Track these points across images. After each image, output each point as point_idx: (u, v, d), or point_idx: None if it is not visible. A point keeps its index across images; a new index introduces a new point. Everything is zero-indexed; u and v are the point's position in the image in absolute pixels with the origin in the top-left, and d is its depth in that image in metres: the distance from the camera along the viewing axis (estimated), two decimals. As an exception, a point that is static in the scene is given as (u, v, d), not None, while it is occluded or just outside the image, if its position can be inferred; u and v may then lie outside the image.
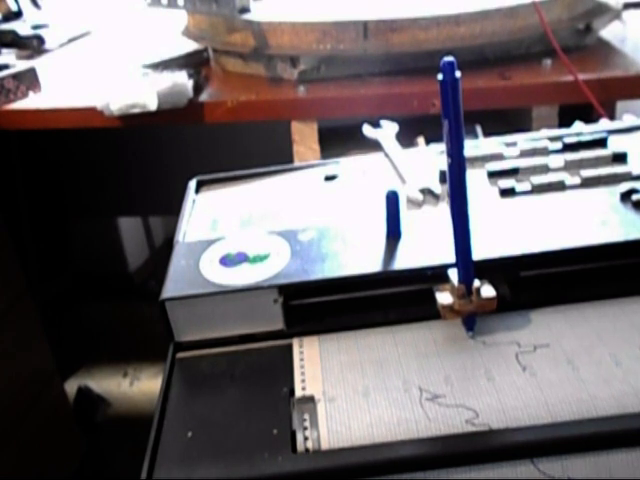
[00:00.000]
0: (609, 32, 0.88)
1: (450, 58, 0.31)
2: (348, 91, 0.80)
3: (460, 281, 0.35)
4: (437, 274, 0.37)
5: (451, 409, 0.31)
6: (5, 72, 0.86)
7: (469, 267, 0.35)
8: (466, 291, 0.35)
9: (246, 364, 0.36)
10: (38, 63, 0.96)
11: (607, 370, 0.32)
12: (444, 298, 0.35)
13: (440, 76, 0.31)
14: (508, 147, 0.48)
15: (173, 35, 0.99)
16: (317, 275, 0.37)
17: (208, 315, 0.37)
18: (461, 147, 0.32)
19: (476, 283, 0.35)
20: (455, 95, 0.31)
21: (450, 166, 0.33)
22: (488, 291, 0.35)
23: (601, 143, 0.47)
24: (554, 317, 0.36)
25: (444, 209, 0.43)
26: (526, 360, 0.33)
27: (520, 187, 0.43)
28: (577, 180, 0.43)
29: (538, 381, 0.32)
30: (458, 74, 0.31)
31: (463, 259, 0.35)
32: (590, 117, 0.80)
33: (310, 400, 0.32)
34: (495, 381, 0.32)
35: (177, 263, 0.40)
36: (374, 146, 0.54)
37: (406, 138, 0.56)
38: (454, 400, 0.31)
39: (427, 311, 0.36)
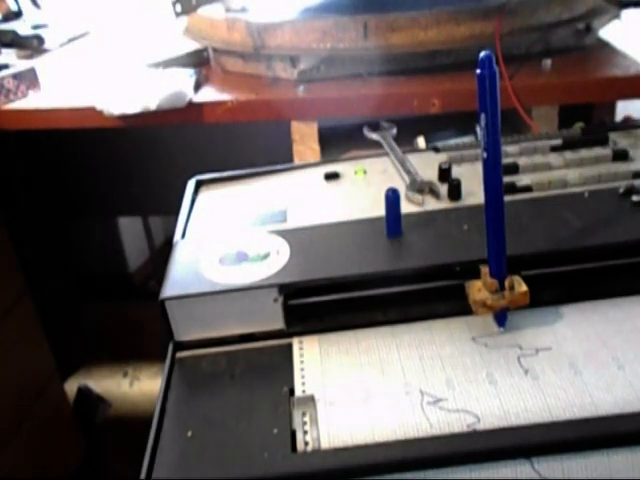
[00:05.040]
0: (609, 32, 0.88)
1: (487, 52, 0.31)
2: (348, 91, 0.80)
3: (492, 276, 0.34)
4: (437, 273, 0.37)
5: (452, 414, 0.31)
6: (5, 72, 0.85)
7: (502, 262, 0.34)
8: (499, 286, 0.34)
9: (246, 364, 0.36)
10: (38, 63, 0.96)
11: (610, 374, 0.32)
12: (476, 293, 0.35)
13: (478, 70, 0.31)
14: (509, 145, 0.48)
15: (173, 35, 0.99)
16: (317, 274, 0.37)
17: (208, 314, 0.37)
18: (497, 141, 0.32)
19: (509, 278, 0.34)
20: (493, 88, 0.31)
21: (486, 160, 0.33)
22: (521, 285, 0.35)
23: (601, 142, 0.47)
24: (556, 320, 0.36)
25: (444, 208, 0.43)
26: (528, 363, 0.33)
27: (521, 185, 0.43)
28: (577, 179, 0.43)
29: (540, 384, 0.32)
30: (496, 68, 0.31)
31: (497, 254, 0.34)
32: (590, 117, 0.80)
33: (310, 400, 0.32)
34: (497, 384, 0.32)
35: (177, 263, 0.40)
36: (374, 146, 0.53)
37: (406, 138, 0.56)
38: (455, 404, 0.31)
39: (427, 311, 0.36)
